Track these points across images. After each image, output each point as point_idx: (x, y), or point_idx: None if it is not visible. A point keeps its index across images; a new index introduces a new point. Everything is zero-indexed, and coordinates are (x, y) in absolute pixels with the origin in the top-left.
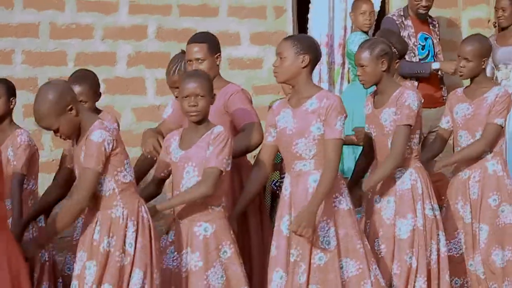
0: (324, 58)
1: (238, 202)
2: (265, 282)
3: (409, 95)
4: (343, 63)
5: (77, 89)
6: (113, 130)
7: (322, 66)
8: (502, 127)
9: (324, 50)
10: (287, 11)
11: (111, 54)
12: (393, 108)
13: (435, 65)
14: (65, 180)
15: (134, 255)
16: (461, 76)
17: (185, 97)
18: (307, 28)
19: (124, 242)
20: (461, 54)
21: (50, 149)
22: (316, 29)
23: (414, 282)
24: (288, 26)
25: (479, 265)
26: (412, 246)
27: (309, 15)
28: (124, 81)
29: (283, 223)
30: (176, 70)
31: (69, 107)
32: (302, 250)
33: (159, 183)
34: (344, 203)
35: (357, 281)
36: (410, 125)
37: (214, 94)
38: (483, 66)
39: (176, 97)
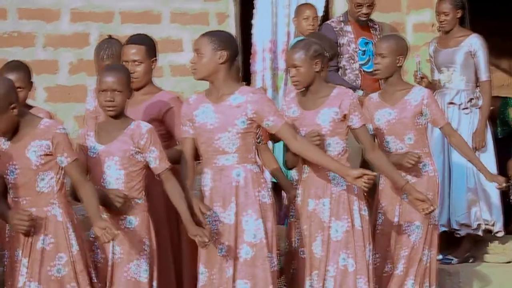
0: (267, 64)
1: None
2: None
3: (354, 95)
4: (287, 69)
5: (14, 76)
6: None
7: (265, 72)
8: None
9: (267, 56)
10: (230, 17)
11: (53, 62)
12: (335, 108)
13: (359, 93)
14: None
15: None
16: (376, 74)
17: (102, 91)
18: (251, 34)
19: (67, 241)
20: (377, 51)
21: None
22: (260, 35)
23: (355, 283)
24: (231, 32)
25: (398, 262)
26: (346, 247)
27: (252, 21)
28: (66, 89)
29: (206, 217)
30: (110, 55)
31: (13, 105)
32: (229, 244)
33: None
34: (267, 197)
35: (274, 276)
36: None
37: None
38: (398, 65)
39: None
